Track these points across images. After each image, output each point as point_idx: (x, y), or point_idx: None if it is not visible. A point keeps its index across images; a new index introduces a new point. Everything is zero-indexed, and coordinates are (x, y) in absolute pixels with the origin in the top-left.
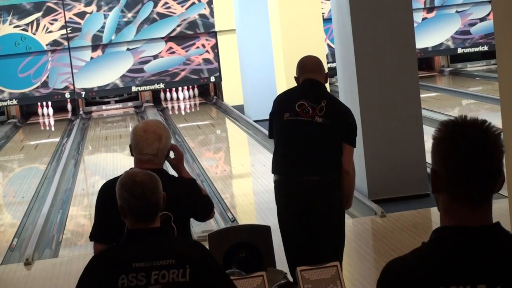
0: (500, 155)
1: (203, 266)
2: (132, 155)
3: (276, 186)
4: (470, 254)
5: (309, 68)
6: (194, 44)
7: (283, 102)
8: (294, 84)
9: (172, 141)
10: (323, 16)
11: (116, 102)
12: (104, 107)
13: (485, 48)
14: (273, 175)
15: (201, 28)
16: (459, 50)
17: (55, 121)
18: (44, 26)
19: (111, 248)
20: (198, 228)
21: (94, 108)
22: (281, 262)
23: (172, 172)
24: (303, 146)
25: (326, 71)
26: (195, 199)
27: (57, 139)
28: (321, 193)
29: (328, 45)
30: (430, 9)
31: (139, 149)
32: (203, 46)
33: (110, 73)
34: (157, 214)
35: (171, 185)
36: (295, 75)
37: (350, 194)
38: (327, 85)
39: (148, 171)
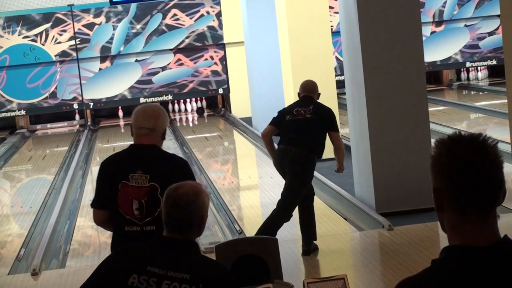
0: (500, 165)
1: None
2: (132, 135)
3: (277, 151)
4: (479, 276)
5: (306, 89)
6: (202, 56)
7: (285, 109)
8: None
9: (180, 153)
10: (331, 29)
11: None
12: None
13: (494, 62)
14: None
15: (210, 40)
16: (468, 64)
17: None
18: (53, 37)
19: (136, 245)
20: (205, 240)
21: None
22: (288, 274)
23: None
24: (298, 133)
25: (320, 92)
26: (184, 177)
27: (65, 149)
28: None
29: (337, 58)
30: (438, 23)
31: (138, 124)
32: (212, 58)
33: (118, 84)
34: (191, 229)
35: (161, 160)
36: (298, 92)
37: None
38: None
39: (193, 183)
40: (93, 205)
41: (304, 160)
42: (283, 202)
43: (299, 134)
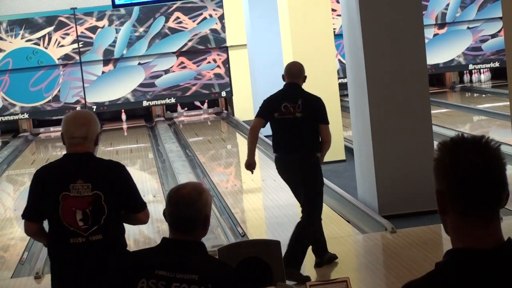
0: (503, 167)
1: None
2: (64, 143)
3: (277, 160)
4: (483, 279)
5: (290, 75)
6: (205, 59)
7: (272, 102)
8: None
9: (183, 156)
10: (334, 32)
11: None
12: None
13: (496, 64)
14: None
15: (213, 43)
16: (470, 66)
17: None
18: (56, 40)
19: (143, 250)
20: (208, 243)
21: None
22: None
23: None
24: (292, 136)
25: (306, 75)
26: (125, 180)
27: None
28: (304, 162)
29: (339, 60)
30: (441, 25)
31: (69, 134)
32: (214, 61)
33: (121, 87)
34: (196, 228)
35: (100, 166)
36: (283, 74)
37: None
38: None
39: (194, 183)
40: (24, 216)
41: (311, 163)
42: (310, 207)
43: (294, 138)
